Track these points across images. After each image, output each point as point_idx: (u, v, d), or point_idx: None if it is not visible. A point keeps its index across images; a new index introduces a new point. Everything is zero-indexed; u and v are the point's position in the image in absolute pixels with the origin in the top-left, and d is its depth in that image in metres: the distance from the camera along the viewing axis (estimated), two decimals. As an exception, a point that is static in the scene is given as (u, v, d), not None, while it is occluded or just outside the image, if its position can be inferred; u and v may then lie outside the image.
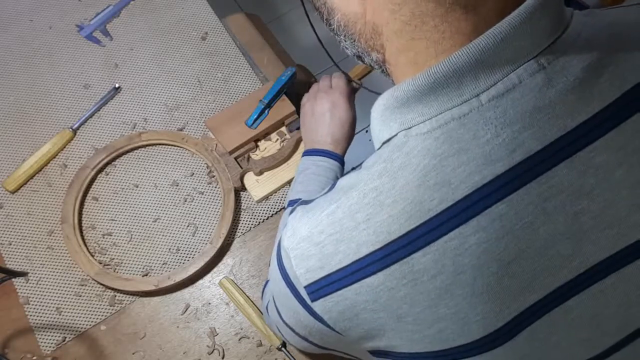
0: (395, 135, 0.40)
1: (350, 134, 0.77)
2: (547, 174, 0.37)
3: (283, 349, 0.75)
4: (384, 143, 0.42)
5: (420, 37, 0.39)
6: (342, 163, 0.75)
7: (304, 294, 0.43)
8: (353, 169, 0.84)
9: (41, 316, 0.78)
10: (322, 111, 0.77)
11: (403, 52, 0.41)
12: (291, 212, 0.47)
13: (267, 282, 0.64)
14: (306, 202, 0.46)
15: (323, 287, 0.42)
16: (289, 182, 0.87)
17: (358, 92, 0.82)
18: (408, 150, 0.39)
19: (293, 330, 0.50)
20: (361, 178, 0.41)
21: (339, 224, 0.41)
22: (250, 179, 0.87)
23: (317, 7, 0.46)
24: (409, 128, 0.39)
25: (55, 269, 0.81)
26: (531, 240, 0.38)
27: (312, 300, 0.43)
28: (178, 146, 0.88)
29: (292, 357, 0.75)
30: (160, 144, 0.89)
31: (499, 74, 0.37)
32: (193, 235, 0.83)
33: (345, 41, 0.46)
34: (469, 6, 0.36)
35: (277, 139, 0.88)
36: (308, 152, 0.76)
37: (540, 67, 0.37)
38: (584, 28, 0.39)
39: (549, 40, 0.37)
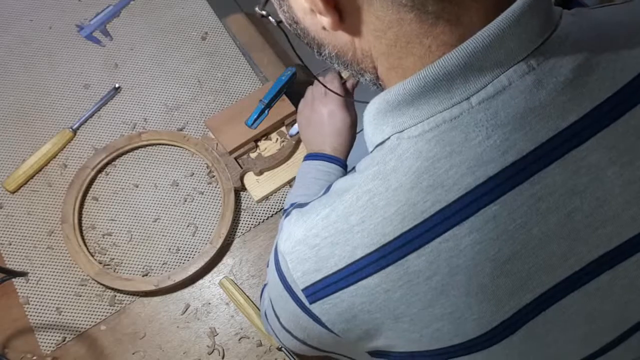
0: (388, 138, 0.40)
1: (349, 140, 0.76)
2: (539, 174, 0.37)
3: (283, 348, 0.75)
4: (377, 146, 0.42)
5: (407, 55, 0.39)
6: (344, 167, 0.74)
7: (301, 296, 0.43)
8: (353, 168, 0.84)
9: (41, 316, 0.78)
10: (319, 122, 0.77)
11: (393, 70, 0.41)
12: (286, 215, 0.47)
13: (264, 286, 0.64)
14: (301, 206, 0.46)
15: (320, 289, 0.42)
16: (289, 182, 0.87)
17: (358, 86, 0.81)
18: (400, 153, 0.39)
19: (291, 334, 0.50)
20: (355, 181, 0.41)
21: (334, 227, 0.41)
22: (250, 179, 0.87)
23: (307, 42, 0.47)
24: (401, 131, 0.39)
25: (55, 269, 0.81)
26: (525, 241, 0.38)
27: (310, 303, 0.43)
28: (178, 146, 0.88)
29: (292, 357, 0.75)
30: (160, 144, 0.89)
31: (489, 76, 0.37)
32: (193, 235, 0.83)
33: (338, 66, 0.46)
34: (452, 18, 0.36)
35: (277, 139, 0.88)
36: (309, 157, 0.76)
37: (529, 68, 0.37)
38: (573, 28, 0.39)
39: (538, 42, 0.37)
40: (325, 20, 0.40)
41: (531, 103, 0.37)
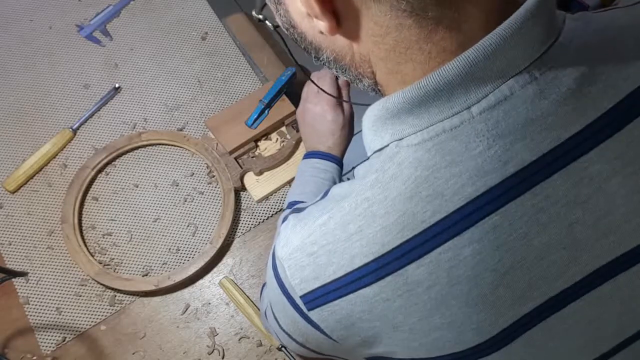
0: (387, 145, 0.40)
1: (343, 138, 0.76)
2: (541, 185, 0.37)
3: (283, 349, 0.75)
4: (375, 152, 0.42)
5: (407, 61, 0.39)
6: (339, 164, 0.74)
7: (300, 303, 0.43)
8: (353, 168, 0.84)
9: (41, 316, 0.78)
10: (312, 122, 0.77)
11: (392, 75, 0.41)
12: (283, 220, 0.47)
13: (264, 285, 0.64)
14: (298, 210, 0.46)
15: (319, 297, 0.42)
16: (289, 182, 0.87)
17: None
18: (400, 161, 0.39)
19: (290, 337, 0.50)
20: (353, 188, 0.41)
21: (332, 234, 0.41)
22: (250, 179, 0.87)
23: (304, 47, 0.46)
24: (401, 139, 0.39)
25: (55, 269, 0.81)
26: (526, 251, 0.38)
27: (309, 310, 0.43)
28: (178, 146, 0.88)
29: (292, 357, 0.75)
30: (160, 144, 0.89)
31: (490, 86, 0.36)
32: (193, 235, 0.83)
33: (336, 71, 0.46)
34: (453, 25, 0.36)
35: (277, 139, 0.88)
36: (307, 155, 0.76)
37: (532, 78, 0.37)
38: (575, 34, 0.38)
39: (541, 50, 0.37)
40: (322, 24, 0.39)
41: (533, 113, 0.37)
